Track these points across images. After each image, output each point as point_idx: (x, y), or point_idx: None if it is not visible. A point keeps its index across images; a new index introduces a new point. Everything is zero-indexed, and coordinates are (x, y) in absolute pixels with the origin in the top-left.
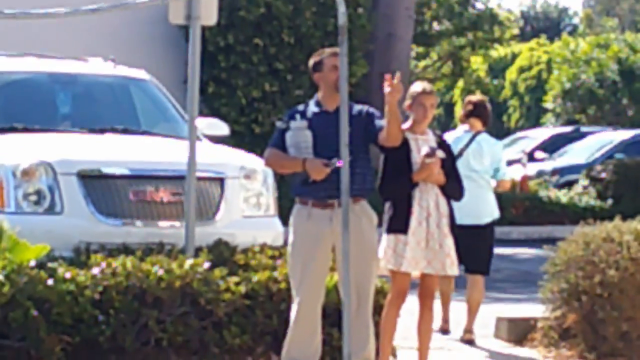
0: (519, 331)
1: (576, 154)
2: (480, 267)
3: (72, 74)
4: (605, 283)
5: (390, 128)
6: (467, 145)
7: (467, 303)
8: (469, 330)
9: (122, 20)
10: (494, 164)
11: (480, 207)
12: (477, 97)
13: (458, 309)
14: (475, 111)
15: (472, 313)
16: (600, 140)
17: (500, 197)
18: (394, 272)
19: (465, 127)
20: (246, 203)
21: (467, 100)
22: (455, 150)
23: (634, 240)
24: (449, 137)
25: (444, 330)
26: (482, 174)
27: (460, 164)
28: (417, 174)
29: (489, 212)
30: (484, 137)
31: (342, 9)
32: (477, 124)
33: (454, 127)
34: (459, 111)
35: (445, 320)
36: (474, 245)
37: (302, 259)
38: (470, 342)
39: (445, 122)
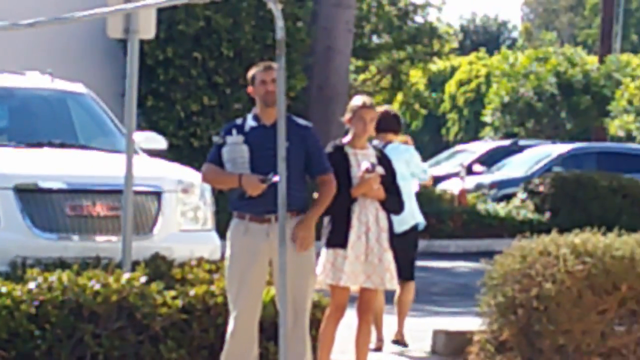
0: (456, 344)
1: (514, 167)
2: (404, 274)
3: (9, 88)
4: (542, 296)
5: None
6: None
7: (397, 306)
8: (399, 332)
9: (59, 34)
10: (410, 169)
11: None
12: (383, 109)
13: (389, 322)
14: (382, 124)
15: (402, 316)
16: (539, 154)
17: (439, 211)
18: (333, 286)
19: (377, 141)
20: (183, 217)
21: None
22: None
23: (570, 254)
24: None
25: (378, 349)
26: None
27: None
28: (356, 189)
29: (405, 220)
30: (393, 146)
31: (280, 23)
32: (387, 135)
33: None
34: None
35: (380, 339)
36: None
37: (239, 273)
38: (401, 343)
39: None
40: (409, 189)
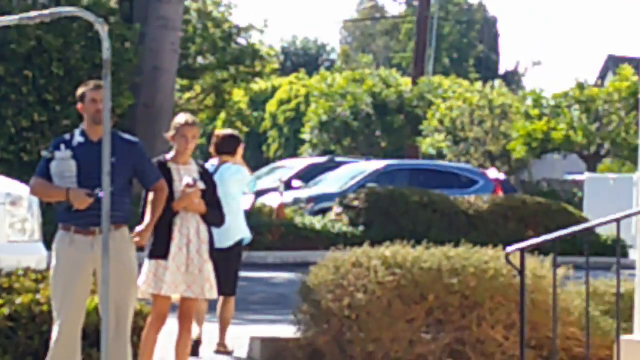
0: (272, 351)
1: (331, 183)
2: (226, 289)
3: None
4: (354, 306)
5: None
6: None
7: (219, 320)
8: (222, 344)
9: None
10: (242, 188)
11: (222, 231)
12: (222, 132)
13: (210, 329)
14: (220, 147)
15: (224, 329)
16: (354, 170)
17: (258, 224)
18: (155, 295)
19: (215, 160)
20: (11, 228)
21: (214, 135)
22: None
23: (381, 265)
24: None
25: (197, 342)
26: (227, 200)
27: None
28: (178, 202)
29: (231, 236)
30: (226, 167)
31: (106, 44)
32: (223, 157)
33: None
34: None
35: (200, 333)
36: (219, 268)
37: (64, 282)
38: (224, 353)
39: (207, 152)
40: (237, 206)
